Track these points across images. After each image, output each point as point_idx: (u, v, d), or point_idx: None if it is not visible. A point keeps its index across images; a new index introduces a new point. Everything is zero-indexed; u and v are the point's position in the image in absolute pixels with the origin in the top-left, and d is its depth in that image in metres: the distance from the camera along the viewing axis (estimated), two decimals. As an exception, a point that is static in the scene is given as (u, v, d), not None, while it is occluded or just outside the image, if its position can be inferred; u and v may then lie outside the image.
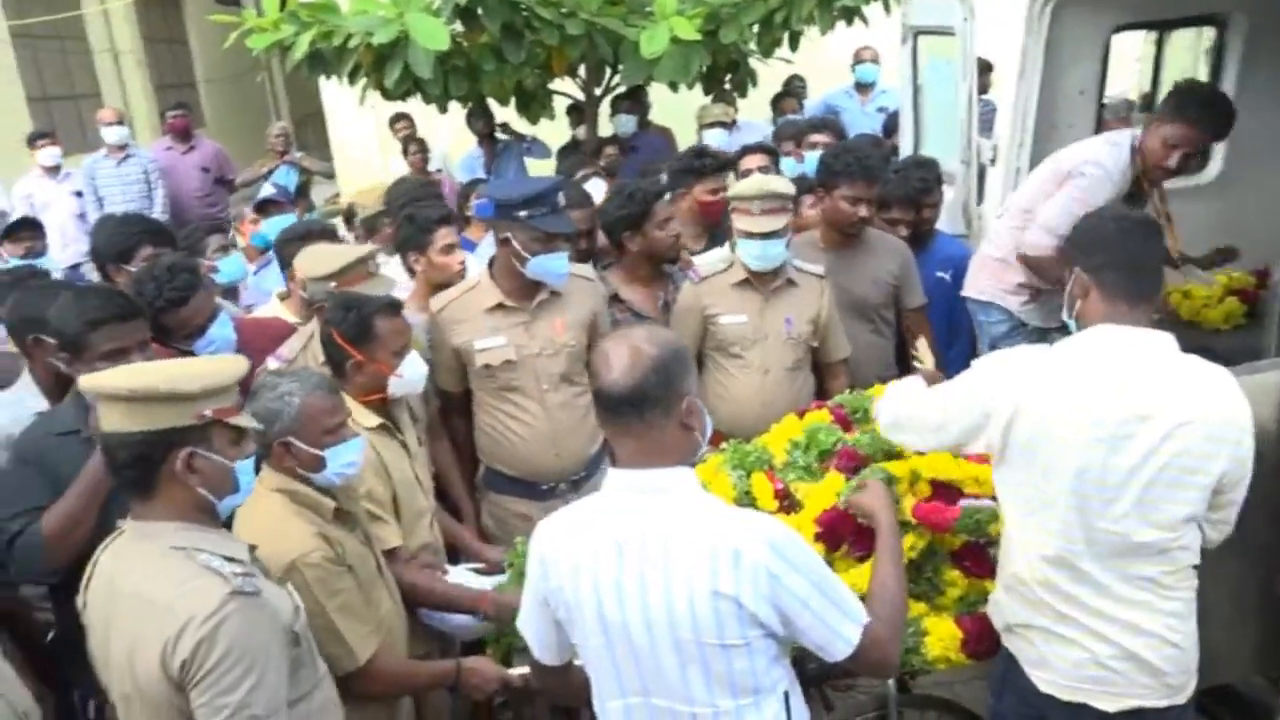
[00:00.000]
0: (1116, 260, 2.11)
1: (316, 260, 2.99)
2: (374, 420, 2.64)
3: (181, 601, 1.73)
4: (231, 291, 4.46)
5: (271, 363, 2.87)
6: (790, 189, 3.37)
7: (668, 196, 3.52)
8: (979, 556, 2.56)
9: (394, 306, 2.67)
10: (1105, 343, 2.09)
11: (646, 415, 1.75)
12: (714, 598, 1.70)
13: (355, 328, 2.60)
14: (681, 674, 1.76)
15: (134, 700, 1.79)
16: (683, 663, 1.75)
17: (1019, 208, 3.52)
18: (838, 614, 1.77)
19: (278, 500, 2.25)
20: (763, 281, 3.37)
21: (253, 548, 1.93)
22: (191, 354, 2.91)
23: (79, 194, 7.22)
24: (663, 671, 1.77)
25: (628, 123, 6.56)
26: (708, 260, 3.56)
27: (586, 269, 3.43)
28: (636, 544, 1.75)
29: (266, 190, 5.58)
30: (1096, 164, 3.27)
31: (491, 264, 3.22)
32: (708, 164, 3.97)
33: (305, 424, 2.24)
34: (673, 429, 1.77)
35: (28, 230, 5.07)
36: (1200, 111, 3.12)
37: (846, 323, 3.55)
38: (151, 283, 2.90)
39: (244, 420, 1.89)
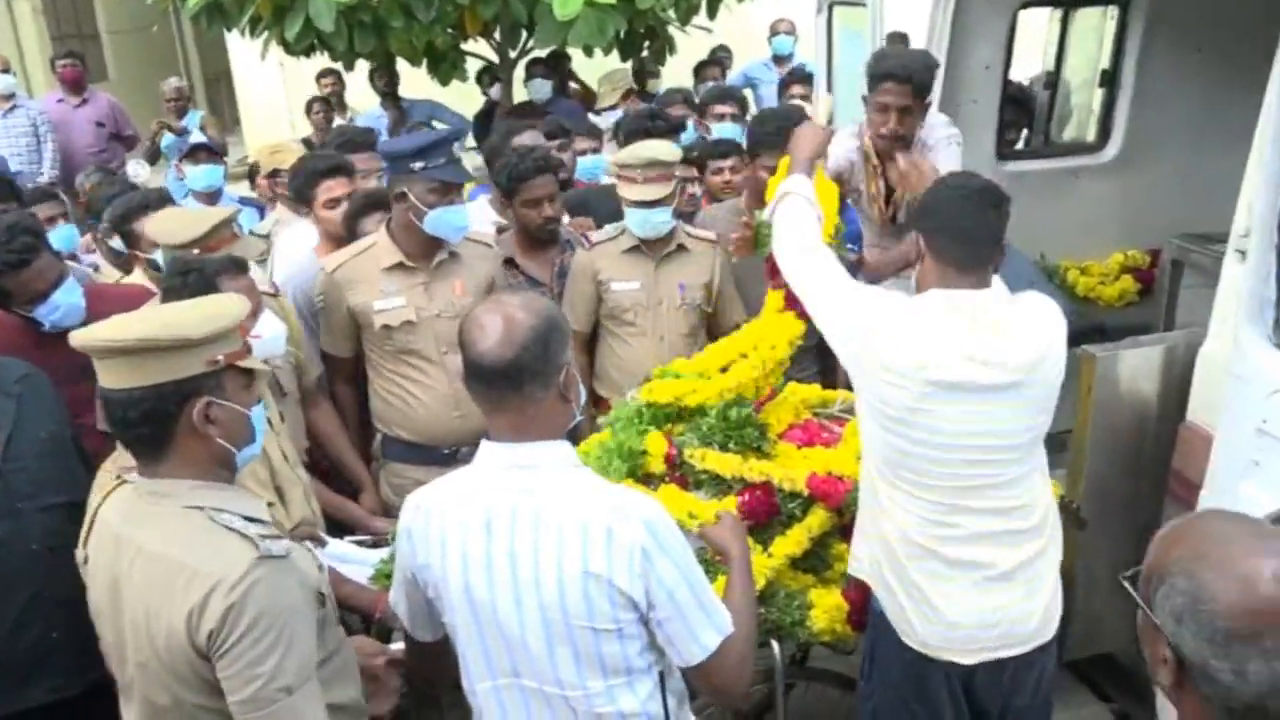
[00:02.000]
0: (947, 227, 2.15)
1: (178, 225, 2.81)
2: None
3: (206, 566, 1.60)
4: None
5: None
6: (674, 157, 3.34)
7: (540, 178, 3.40)
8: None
9: (238, 265, 2.48)
10: (934, 307, 2.14)
11: (525, 388, 1.65)
12: (584, 578, 1.63)
13: (198, 292, 2.31)
14: (550, 655, 1.69)
15: (151, 667, 1.66)
16: (551, 644, 1.68)
17: None
18: (701, 614, 1.69)
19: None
20: (653, 248, 3.34)
21: (270, 504, 1.82)
22: (34, 321, 2.73)
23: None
24: (531, 652, 1.69)
25: (542, 88, 6.43)
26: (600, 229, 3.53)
27: (486, 235, 3.37)
28: (506, 520, 1.67)
29: (197, 136, 5.34)
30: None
31: (388, 224, 3.13)
32: (659, 125, 3.94)
33: None
34: (550, 401, 1.69)
35: None
36: (894, 64, 3.12)
37: (765, 293, 3.53)
38: None
39: (255, 363, 1.76)
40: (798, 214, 2.51)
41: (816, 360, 3.69)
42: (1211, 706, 1.14)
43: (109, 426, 1.74)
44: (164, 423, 1.66)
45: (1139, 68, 4.12)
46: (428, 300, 3.07)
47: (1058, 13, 4.38)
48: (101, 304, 2.79)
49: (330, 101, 7.01)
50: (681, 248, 3.37)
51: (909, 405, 2.10)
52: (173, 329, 1.65)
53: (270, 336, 2.57)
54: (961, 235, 2.14)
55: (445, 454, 3.11)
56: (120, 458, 2.11)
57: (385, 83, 6.50)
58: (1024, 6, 3.95)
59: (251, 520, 1.70)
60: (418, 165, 2.94)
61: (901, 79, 3.07)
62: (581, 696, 1.71)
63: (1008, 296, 2.20)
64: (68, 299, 2.75)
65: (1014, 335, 2.12)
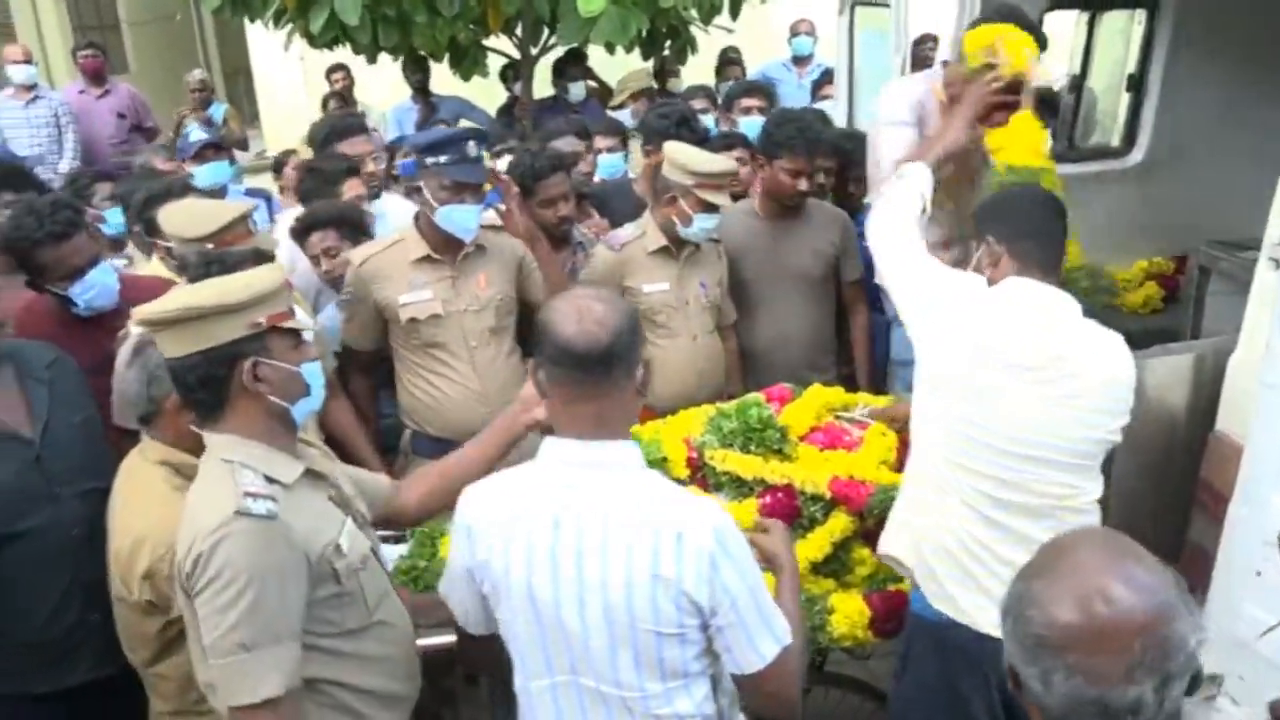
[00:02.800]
0: (1032, 231, 2.24)
1: (190, 220, 2.83)
2: None
3: (197, 513, 1.74)
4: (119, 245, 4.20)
5: (134, 327, 2.70)
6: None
7: (556, 176, 3.41)
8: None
9: (261, 258, 2.51)
10: (1017, 293, 2.20)
11: (615, 373, 1.65)
12: (653, 581, 1.62)
13: None
14: (611, 656, 1.68)
15: (181, 599, 1.81)
16: (613, 645, 1.67)
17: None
18: (761, 624, 1.68)
19: (155, 473, 2.12)
20: (679, 248, 3.34)
21: (315, 473, 1.88)
22: (66, 305, 2.75)
23: (-15, 135, 6.87)
24: (592, 652, 1.69)
25: (578, 89, 6.42)
26: (621, 229, 3.50)
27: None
28: (574, 520, 1.66)
29: (198, 134, 5.35)
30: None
31: (418, 218, 3.14)
32: (684, 135, 3.83)
33: None
34: (630, 392, 1.70)
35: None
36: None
37: (787, 295, 3.53)
38: (31, 216, 2.72)
39: (299, 323, 1.86)
40: (905, 196, 2.55)
41: (838, 363, 3.68)
42: (1038, 713, 1.16)
43: (178, 393, 1.86)
44: (217, 385, 1.78)
45: (1166, 72, 4.08)
46: (454, 294, 3.06)
47: (1084, 16, 4.33)
48: (133, 292, 2.82)
49: (346, 97, 7.02)
50: (697, 247, 3.38)
51: (989, 383, 2.13)
52: (212, 296, 1.75)
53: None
54: (1046, 239, 2.24)
55: None
56: (147, 447, 2.12)
57: (418, 78, 6.50)
58: (1050, 9, 3.91)
59: (272, 481, 1.76)
60: (432, 160, 2.95)
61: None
62: (639, 698, 1.70)
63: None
64: (102, 279, 2.77)
65: (1089, 341, 2.18)
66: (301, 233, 3.16)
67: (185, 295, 1.79)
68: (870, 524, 2.57)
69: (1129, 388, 2.21)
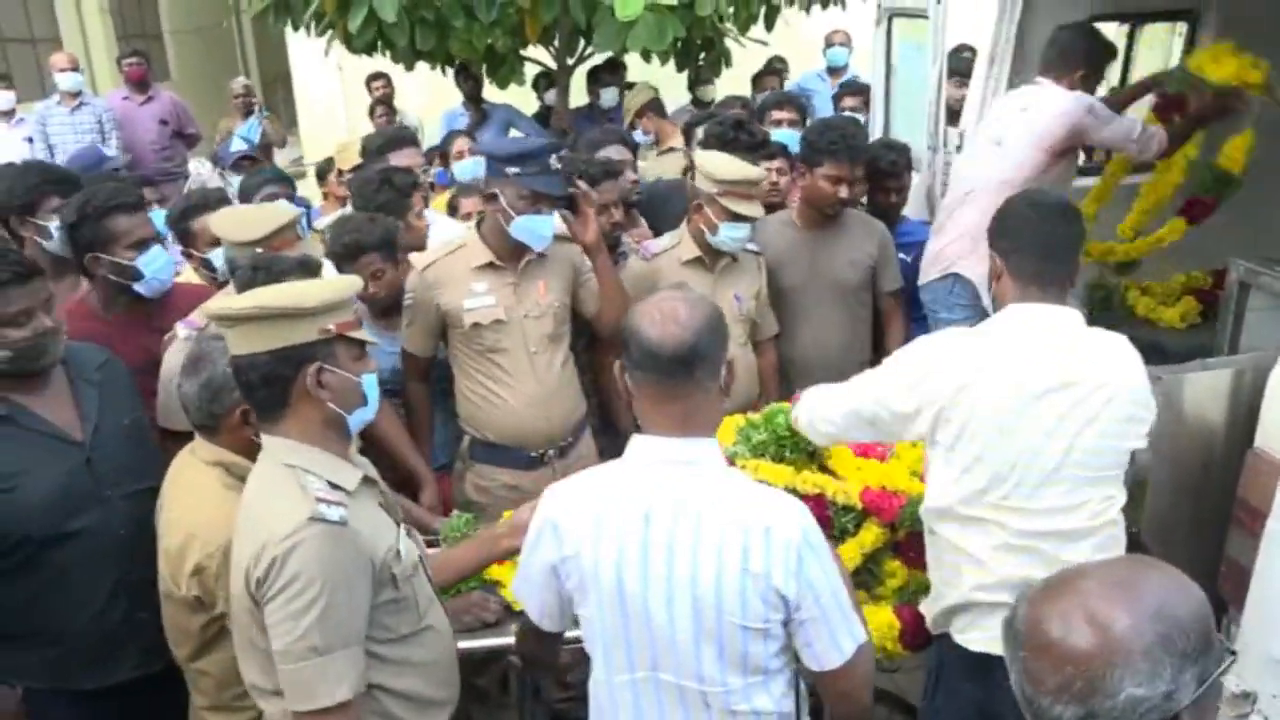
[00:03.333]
0: (1025, 244, 2.17)
1: (240, 224, 2.87)
2: None
3: (267, 518, 1.75)
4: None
5: (181, 330, 2.73)
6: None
7: (603, 184, 3.42)
8: (922, 546, 2.54)
9: (307, 267, 2.53)
10: (1016, 322, 2.15)
11: (698, 374, 1.70)
12: (743, 575, 1.66)
13: None
14: (695, 650, 1.71)
15: (234, 607, 1.85)
16: (699, 639, 1.70)
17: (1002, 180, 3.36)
18: (842, 620, 1.71)
19: (209, 473, 2.14)
20: (712, 259, 3.34)
21: (371, 480, 1.93)
22: (128, 279, 2.83)
23: (30, 140, 7.02)
24: (676, 647, 1.72)
25: (610, 95, 6.47)
26: (657, 239, 3.52)
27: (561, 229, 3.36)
28: (667, 515, 1.70)
29: (237, 144, 5.45)
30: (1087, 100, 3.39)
31: (480, 224, 3.15)
32: (741, 140, 3.78)
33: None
34: (716, 391, 1.75)
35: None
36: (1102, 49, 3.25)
37: (823, 305, 3.53)
38: (103, 189, 2.87)
39: (365, 334, 1.91)
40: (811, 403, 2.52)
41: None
42: None
43: (238, 391, 1.90)
44: (282, 385, 1.82)
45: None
46: (516, 301, 3.08)
47: (1124, 27, 4.31)
48: (175, 296, 2.88)
49: (392, 105, 7.10)
50: (733, 258, 3.37)
51: (1007, 420, 2.09)
52: (289, 299, 1.81)
53: None
54: (1040, 251, 2.15)
55: (532, 457, 3.13)
56: (199, 447, 2.17)
57: (471, 87, 6.59)
58: (1090, 21, 3.89)
59: (335, 487, 1.80)
60: (513, 170, 2.93)
61: None
62: (720, 693, 1.74)
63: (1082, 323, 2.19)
64: (164, 255, 2.86)
65: (1097, 354, 2.13)
66: (347, 256, 3.13)
67: (263, 295, 1.83)
68: (901, 535, 2.57)
69: (1148, 388, 2.18)
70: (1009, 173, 3.33)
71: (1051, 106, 3.38)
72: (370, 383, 1.91)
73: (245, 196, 3.92)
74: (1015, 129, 3.41)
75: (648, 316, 1.71)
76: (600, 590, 1.75)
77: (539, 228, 3.00)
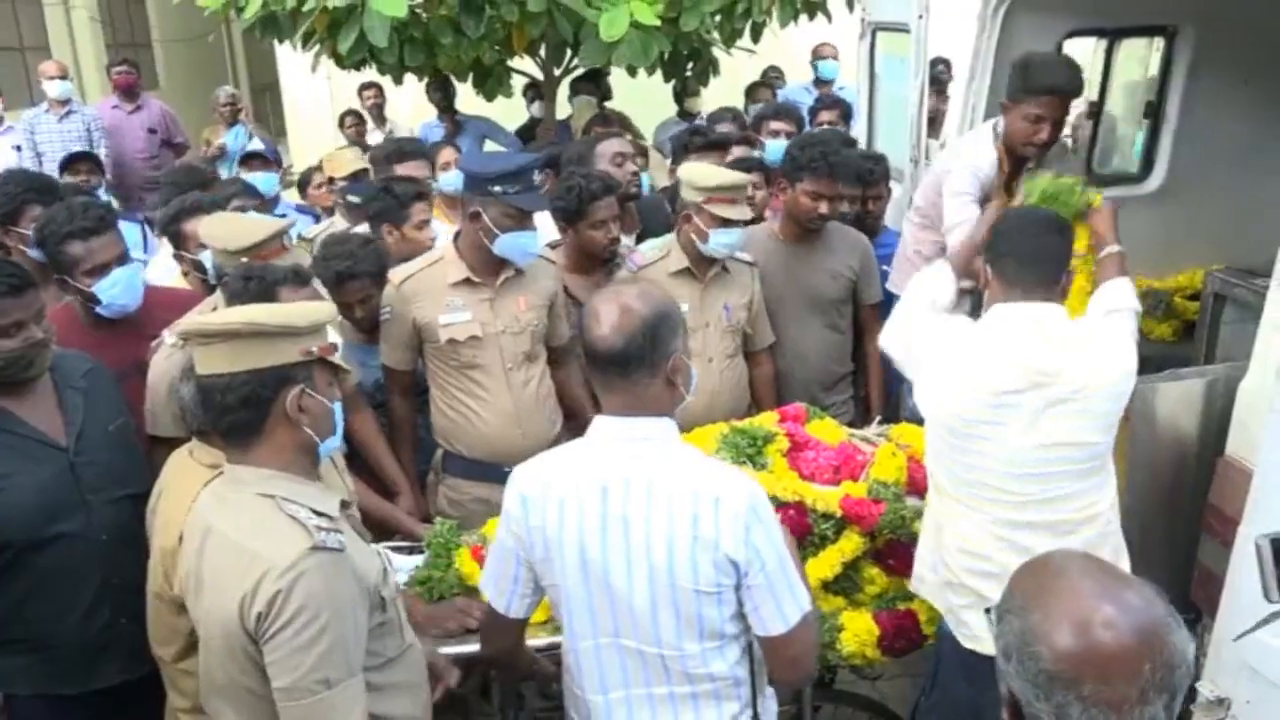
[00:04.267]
0: (1013, 252, 2.30)
1: (229, 233, 2.86)
2: None
3: (262, 551, 1.68)
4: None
5: (168, 336, 2.71)
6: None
7: (605, 199, 3.40)
8: (901, 554, 2.57)
9: (299, 277, 2.54)
10: (995, 321, 2.29)
11: (632, 374, 1.80)
12: (694, 542, 1.76)
13: (257, 300, 2.41)
14: (653, 616, 1.81)
15: (213, 645, 1.75)
16: (655, 605, 1.80)
17: (914, 206, 3.62)
18: (787, 588, 1.80)
19: (210, 476, 2.14)
20: (701, 270, 3.35)
21: (345, 504, 1.92)
22: (92, 301, 2.80)
23: (19, 148, 7.01)
24: (635, 612, 1.82)
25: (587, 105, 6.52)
26: (644, 249, 3.53)
27: (546, 250, 3.37)
28: (621, 486, 1.80)
29: (256, 144, 5.48)
30: (958, 157, 3.32)
31: (457, 238, 3.15)
32: (696, 141, 4.05)
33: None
34: (657, 386, 1.83)
35: (85, 163, 5.22)
36: (1056, 76, 3.09)
37: (803, 317, 3.55)
38: (64, 212, 2.81)
39: (340, 360, 1.90)
40: (924, 296, 2.64)
41: (855, 385, 3.71)
42: None
43: (203, 413, 1.85)
44: (260, 408, 1.76)
45: (1184, 99, 4.11)
46: (493, 316, 3.07)
47: (1103, 43, 4.36)
48: (154, 303, 2.87)
49: (362, 115, 7.16)
50: (724, 269, 3.38)
51: (979, 419, 2.22)
52: (278, 317, 1.79)
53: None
54: (1027, 259, 2.28)
55: (506, 472, 3.08)
56: (197, 449, 2.18)
57: (441, 97, 6.61)
58: (1069, 36, 3.95)
59: (318, 514, 1.76)
60: (497, 189, 2.93)
61: (1066, 93, 3.11)
62: (677, 657, 1.83)
63: (1071, 318, 2.31)
64: (128, 276, 2.82)
65: (1076, 349, 2.21)
66: (338, 281, 3.12)
67: (250, 312, 1.80)
68: (880, 544, 2.60)
69: (1129, 374, 2.28)
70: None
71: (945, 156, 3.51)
72: (339, 410, 1.89)
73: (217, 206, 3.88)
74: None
75: (592, 315, 1.82)
76: (564, 560, 1.85)
77: (525, 243, 3.02)
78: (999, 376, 2.20)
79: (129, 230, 4.06)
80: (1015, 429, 2.19)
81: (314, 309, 1.87)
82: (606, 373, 1.83)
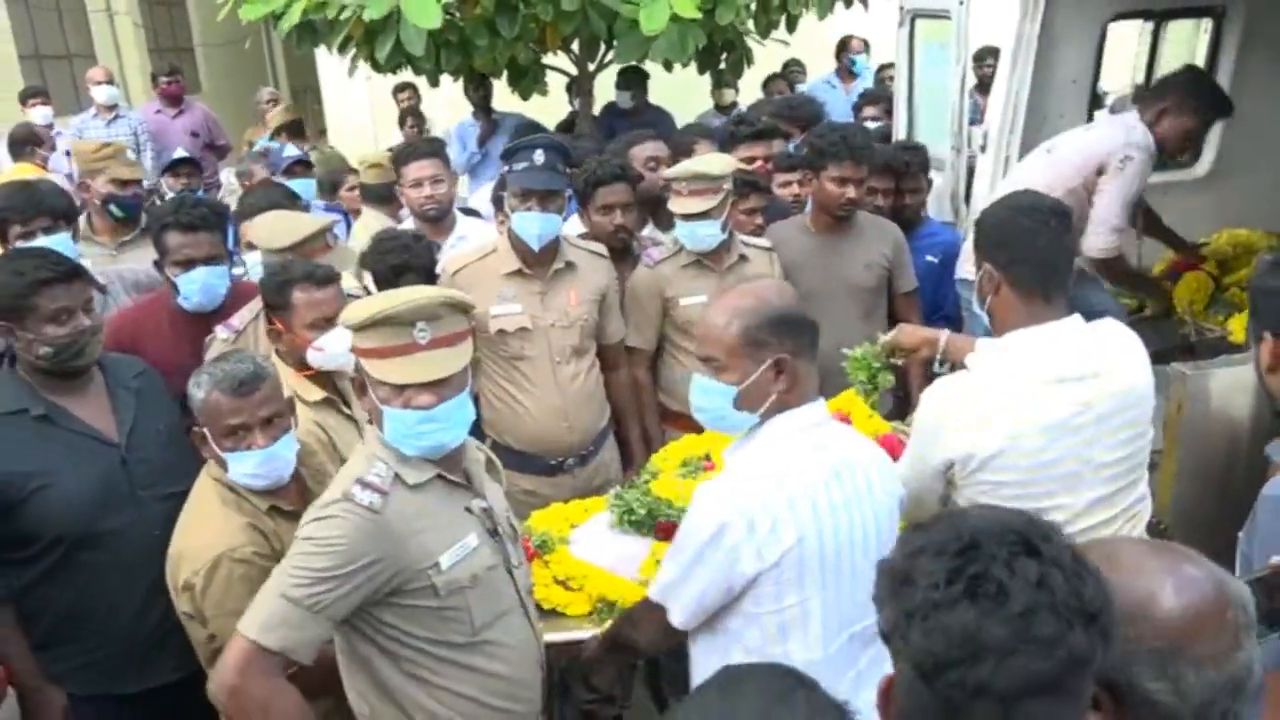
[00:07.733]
0: (1026, 256, 2.05)
1: (274, 231, 2.92)
2: (317, 394, 2.53)
3: (334, 484, 1.93)
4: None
5: (221, 331, 2.79)
6: (723, 170, 3.24)
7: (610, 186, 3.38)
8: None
9: (316, 277, 2.52)
10: (1030, 362, 2.06)
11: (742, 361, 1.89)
12: (892, 501, 1.96)
13: (274, 295, 2.51)
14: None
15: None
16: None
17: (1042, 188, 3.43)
18: None
19: (211, 487, 2.20)
20: (716, 261, 3.31)
21: (448, 480, 2.00)
22: (175, 286, 2.89)
23: (68, 153, 7.15)
24: (861, 595, 1.73)
25: (624, 98, 6.56)
26: (663, 238, 3.52)
27: (598, 244, 3.35)
28: (846, 469, 1.89)
29: (291, 150, 5.53)
30: (1138, 147, 3.28)
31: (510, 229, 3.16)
32: (742, 131, 4.03)
33: (209, 420, 2.16)
34: (766, 377, 1.90)
35: (186, 167, 5.38)
36: (1213, 99, 3.09)
37: (838, 307, 3.50)
38: (171, 203, 3.01)
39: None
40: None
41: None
42: None
43: None
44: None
45: (1233, 82, 4.02)
46: (543, 309, 3.09)
47: (1149, 25, 4.29)
48: (245, 295, 2.93)
49: (421, 115, 7.21)
50: (743, 258, 3.35)
51: (1028, 464, 2.06)
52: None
53: (331, 352, 2.49)
54: (1043, 262, 2.05)
55: (552, 464, 3.14)
56: (211, 464, 2.25)
57: (480, 96, 6.66)
58: (1114, 19, 3.88)
59: (398, 478, 1.91)
60: (505, 169, 3.01)
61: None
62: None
63: (1086, 324, 2.14)
64: (210, 279, 2.89)
65: (1104, 362, 2.09)
66: (393, 275, 3.07)
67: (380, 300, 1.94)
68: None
69: (1152, 382, 2.20)
70: (1048, 182, 3.29)
71: (1105, 131, 3.37)
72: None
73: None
74: (1069, 141, 3.41)
75: (770, 289, 2.01)
76: (821, 562, 1.84)
77: (531, 225, 3.01)
78: (1053, 415, 2.04)
79: None
80: (1056, 448, 2.05)
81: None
82: (804, 337, 1.91)
